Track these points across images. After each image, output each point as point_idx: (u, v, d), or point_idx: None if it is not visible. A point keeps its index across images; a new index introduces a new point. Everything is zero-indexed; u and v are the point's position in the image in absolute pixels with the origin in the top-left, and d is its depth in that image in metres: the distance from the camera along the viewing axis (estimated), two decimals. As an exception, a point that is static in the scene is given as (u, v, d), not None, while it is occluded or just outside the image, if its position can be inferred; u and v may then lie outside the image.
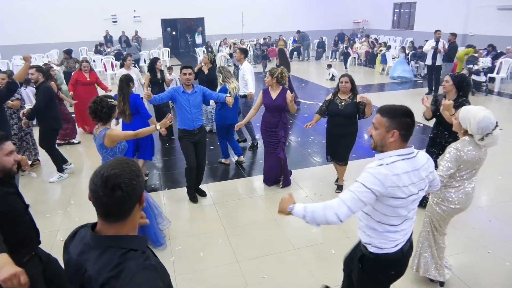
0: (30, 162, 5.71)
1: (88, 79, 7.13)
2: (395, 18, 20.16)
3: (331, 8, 21.44)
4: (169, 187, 5.15)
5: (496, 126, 2.61)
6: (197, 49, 17.55)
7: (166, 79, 6.79)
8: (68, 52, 9.76)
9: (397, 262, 2.08)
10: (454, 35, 9.75)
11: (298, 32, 18.06)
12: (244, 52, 6.54)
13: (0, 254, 1.74)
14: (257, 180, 5.28)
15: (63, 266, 1.44)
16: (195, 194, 4.77)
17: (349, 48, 15.67)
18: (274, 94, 4.59)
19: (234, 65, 8.22)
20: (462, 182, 2.83)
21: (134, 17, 18.79)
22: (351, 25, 22.33)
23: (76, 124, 7.22)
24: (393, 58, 13.21)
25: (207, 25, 20.30)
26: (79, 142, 7.01)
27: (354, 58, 15.74)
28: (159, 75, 6.69)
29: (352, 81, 4.41)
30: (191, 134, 4.48)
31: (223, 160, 5.87)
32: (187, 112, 4.38)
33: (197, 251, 3.71)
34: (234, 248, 3.75)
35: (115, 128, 3.34)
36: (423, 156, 2.00)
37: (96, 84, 7.33)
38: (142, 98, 5.12)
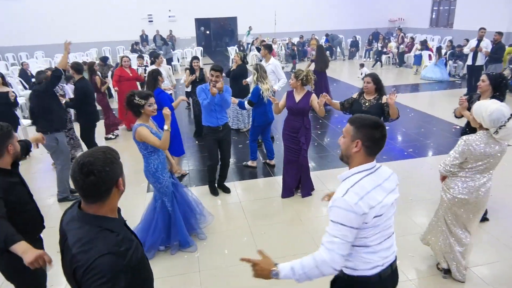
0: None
1: (131, 75, 7.35)
2: (433, 16, 19.44)
3: (366, 6, 21.00)
4: (197, 184, 5.23)
5: (510, 118, 2.58)
6: (228, 48, 17.68)
7: (206, 77, 6.89)
8: (104, 59, 10.10)
9: (372, 286, 1.85)
10: (500, 34, 9.14)
11: (327, 35, 17.85)
12: (268, 48, 6.60)
13: (19, 242, 1.93)
14: (284, 179, 5.25)
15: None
16: (215, 187, 4.91)
17: (383, 47, 15.26)
18: (298, 97, 4.43)
19: (260, 60, 8.31)
20: (472, 174, 2.85)
21: (169, 16, 19.24)
22: (387, 23, 21.75)
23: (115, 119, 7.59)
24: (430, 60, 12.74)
25: (239, 24, 20.45)
26: (117, 136, 7.36)
27: (389, 57, 15.31)
28: (197, 74, 6.82)
29: (376, 81, 4.12)
30: (215, 131, 4.53)
31: (249, 163, 5.70)
32: (212, 110, 4.44)
33: (222, 248, 3.75)
34: (259, 246, 3.74)
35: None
36: (386, 169, 1.87)
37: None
38: (171, 94, 5.25)
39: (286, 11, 19.59)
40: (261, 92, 5.20)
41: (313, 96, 4.43)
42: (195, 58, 6.99)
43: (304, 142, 4.50)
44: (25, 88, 10.02)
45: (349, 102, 4.34)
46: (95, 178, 1.34)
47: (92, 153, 1.39)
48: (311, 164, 5.45)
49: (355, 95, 4.37)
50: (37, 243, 2.45)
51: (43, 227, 2.55)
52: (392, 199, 1.81)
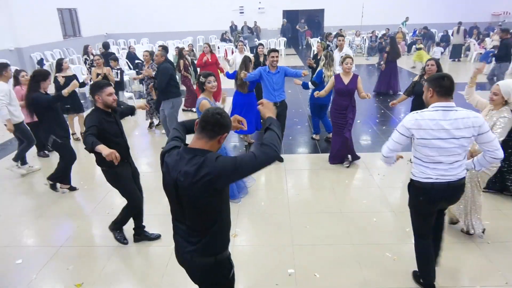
0: (156, 122, 7.49)
1: (204, 60, 8.38)
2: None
3: (465, -3, 19.55)
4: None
5: None
6: (311, 39, 18.14)
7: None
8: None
9: (424, 190, 2.58)
10: None
11: (425, 28, 17.11)
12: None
13: (100, 145, 2.93)
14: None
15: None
16: None
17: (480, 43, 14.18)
18: (346, 80, 5.05)
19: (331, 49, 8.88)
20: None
21: (259, 8, 20.33)
22: (489, 17, 19.99)
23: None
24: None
25: (326, 16, 20.68)
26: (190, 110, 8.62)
27: (480, 53, 14.26)
28: (261, 59, 7.64)
29: (438, 65, 4.67)
30: None
31: (313, 136, 6.54)
32: (270, 88, 5.25)
33: (259, 202, 4.52)
34: (290, 203, 4.44)
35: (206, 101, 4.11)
36: (464, 113, 2.42)
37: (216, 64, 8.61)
38: None
39: (374, 4, 19.26)
40: (323, 76, 5.82)
41: (359, 78, 5.05)
42: (260, 44, 7.90)
43: (351, 117, 5.15)
44: (130, 68, 11.84)
45: (412, 86, 5.00)
46: (220, 118, 1.82)
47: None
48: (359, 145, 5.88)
49: (415, 78, 5.00)
50: (126, 164, 3.47)
51: (129, 155, 3.55)
52: (449, 135, 2.40)
